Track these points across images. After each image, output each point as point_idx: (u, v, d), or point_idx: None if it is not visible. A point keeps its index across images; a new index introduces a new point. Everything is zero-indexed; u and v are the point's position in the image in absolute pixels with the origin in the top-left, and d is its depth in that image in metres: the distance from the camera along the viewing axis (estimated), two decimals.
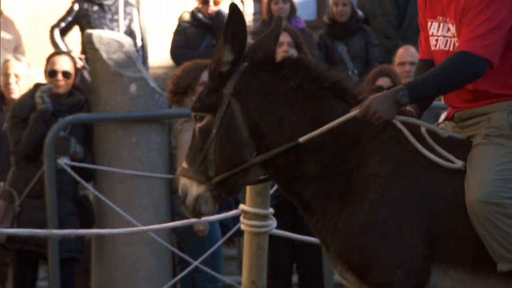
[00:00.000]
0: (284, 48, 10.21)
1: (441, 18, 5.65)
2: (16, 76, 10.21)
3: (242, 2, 14.24)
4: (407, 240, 5.30)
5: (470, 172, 5.39)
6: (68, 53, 9.66)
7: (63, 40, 11.55)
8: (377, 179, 5.34)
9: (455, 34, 5.58)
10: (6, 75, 10.12)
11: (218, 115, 5.33)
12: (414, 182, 5.37)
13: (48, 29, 11.82)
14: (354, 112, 5.36)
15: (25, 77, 10.48)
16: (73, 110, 8.88)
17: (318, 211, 5.38)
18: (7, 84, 10.19)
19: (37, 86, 9.15)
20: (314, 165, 5.40)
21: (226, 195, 5.49)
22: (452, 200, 5.36)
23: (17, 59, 10.66)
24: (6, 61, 10.26)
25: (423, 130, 5.40)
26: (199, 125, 5.35)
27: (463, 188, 5.37)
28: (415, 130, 5.43)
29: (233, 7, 5.39)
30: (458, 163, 5.34)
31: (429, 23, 5.72)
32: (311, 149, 5.44)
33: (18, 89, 10.48)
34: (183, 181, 5.39)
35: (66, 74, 9.00)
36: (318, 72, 5.52)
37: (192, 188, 5.35)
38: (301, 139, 5.36)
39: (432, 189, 5.37)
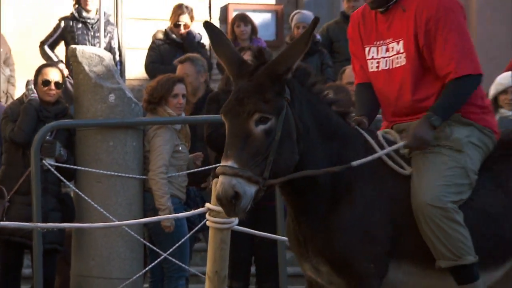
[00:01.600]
0: None
1: (378, 42, 5.86)
2: None
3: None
4: (379, 237, 5.49)
5: (417, 178, 5.58)
6: (57, 65, 9.69)
7: (53, 52, 11.47)
8: (355, 183, 5.52)
9: (401, 51, 5.79)
10: None
11: (281, 119, 5.30)
12: (382, 186, 5.57)
13: (37, 43, 11.94)
14: (404, 143, 5.59)
15: None
16: (59, 117, 8.97)
17: (310, 213, 5.49)
18: None
19: (25, 95, 9.23)
20: (322, 177, 5.47)
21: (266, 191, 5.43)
22: (407, 202, 5.56)
23: None
24: None
25: (384, 142, 5.64)
26: (263, 126, 5.25)
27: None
28: (379, 141, 5.67)
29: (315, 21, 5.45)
30: (408, 170, 5.60)
31: (366, 49, 5.90)
32: (320, 150, 5.55)
33: None
34: (234, 181, 5.19)
35: (57, 85, 9.10)
36: (321, 84, 5.73)
37: (248, 187, 5.21)
38: (354, 163, 5.44)
39: (393, 192, 5.57)
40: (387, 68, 5.83)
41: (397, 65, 5.77)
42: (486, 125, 5.79)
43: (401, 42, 5.73)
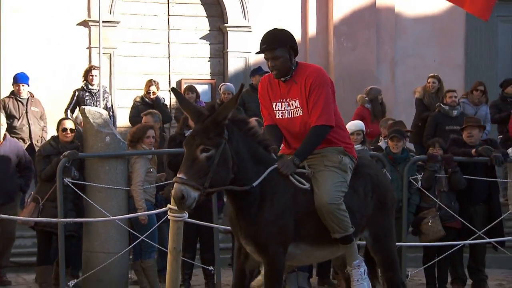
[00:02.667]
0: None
1: (282, 100, 5.76)
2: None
3: (169, 91, 13.66)
4: (287, 229, 5.46)
5: (317, 187, 5.55)
6: (71, 119, 9.69)
7: (71, 116, 11.35)
8: (275, 194, 5.47)
9: (298, 106, 5.68)
10: None
11: (219, 150, 5.23)
12: (290, 196, 5.51)
13: (60, 105, 12.01)
14: (276, 165, 5.52)
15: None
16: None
17: (245, 211, 5.46)
18: None
19: (54, 138, 9.16)
20: (252, 189, 5.41)
21: (206, 197, 5.38)
22: (306, 206, 5.53)
23: None
24: None
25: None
26: (206, 154, 5.20)
27: (311, 199, 5.53)
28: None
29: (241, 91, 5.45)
30: (307, 185, 5.57)
31: (273, 104, 5.79)
32: (253, 174, 5.45)
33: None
34: (183, 187, 5.15)
35: (71, 130, 9.05)
36: (258, 130, 5.65)
37: (191, 192, 5.15)
38: (254, 184, 5.38)
39: (297, 199, 5.51)
40: (290, 117, 5.77)
41: (297, 115, 5.73)
42: (354, 155, 5.86)
43: (297, 101, 5.69)
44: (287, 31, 5.85)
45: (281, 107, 5.80)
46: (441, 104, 11.95)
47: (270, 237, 5.43)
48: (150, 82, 12.07)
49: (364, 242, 6.08)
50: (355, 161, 5.87)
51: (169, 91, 13.60)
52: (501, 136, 12.38)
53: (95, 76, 11.81)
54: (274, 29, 5.82)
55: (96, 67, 11.84)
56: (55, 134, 9.32)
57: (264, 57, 5.77)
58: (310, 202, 5.57)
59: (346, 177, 5.73)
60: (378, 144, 10.30)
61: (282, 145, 5.94)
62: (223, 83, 12.73)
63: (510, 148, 9.82)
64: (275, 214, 5.44)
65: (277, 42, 5.67)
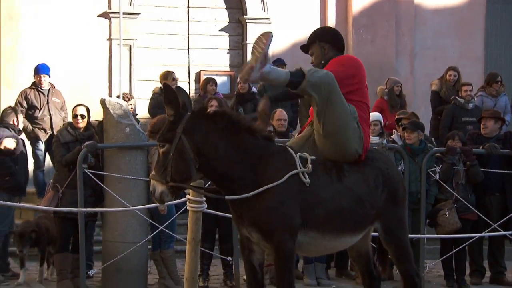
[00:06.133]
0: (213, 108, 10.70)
1: None
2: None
3: (189, 83, 14.02)
4: (293, 215, 5.36)
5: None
6: (84, 105, 9.25)
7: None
8: (274, 179, 5.35)
9: None
10: None
11: (173, 145, 5.27)
12: (295, 181, 5.39)
13: (79, 98, 11.46)
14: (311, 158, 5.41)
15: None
16: (89, 139, 8.82)
17: (239, 199, 5.33)
18: None
19: (70, 124, 9.12)
20: (239, 172, 5.37)
21: (178, 191, 5.49)
22: (309, 196, 5.43)
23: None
24: None
25: (296, 156, 5.47)
26: (162, 150, 5.33)
27: (314, 186, 5.39)
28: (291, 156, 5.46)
29: (166, 86, 5.43)
30: (307, 180, 5.39)
31: None
32: (236, 163, 5.37)
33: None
34: (152, 182, 5.33)
35: (82, 116, 9.02)
36: (236, 118, 5.51)
37: (158, 187, 5.30)
38: (227, 198, 5.33)
39: (302, 190, 5.40)
40: None
41: None
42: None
43: None
44: (324, 28, 6.04)
45: None
46: (457, 97, 11.89)
47: (274, 223, 5.35)
48: (167, 74, 12.04)
49: (377, 233, 6.04)
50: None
51: (188, 82, 13.79)
52: None
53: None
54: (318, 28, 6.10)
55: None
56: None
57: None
58: (316, 191, 5.47)
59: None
60: (391, 137, 10.24)
61: None
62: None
63: None
64: (277, 201, 5.36)
65: (309, 39, 5.86)
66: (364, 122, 5.71)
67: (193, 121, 5.37)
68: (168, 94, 5.38)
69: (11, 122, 9.65)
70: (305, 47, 5.95)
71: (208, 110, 5.49)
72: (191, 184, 5.51)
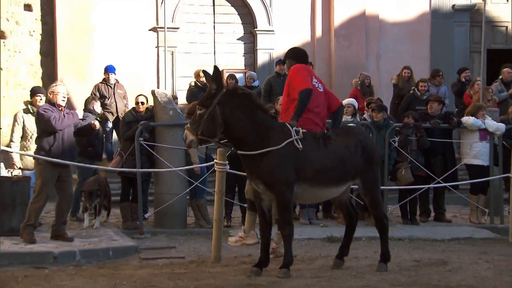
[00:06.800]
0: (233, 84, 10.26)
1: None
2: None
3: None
4: (289, 172, 5.28)
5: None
6: (144, 95, 9.02)
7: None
8: (275, 145, 5.28)
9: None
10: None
11: (209, 110, 5.23)
12: (290, 147, 5.33)
13: (137, 89, 10.96)
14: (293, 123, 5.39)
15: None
16: (148, 119, 8.67)
17: (250, 157, 5.32)
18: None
19: (133, 108, 8.89)
20: (251, 138, 5.29)
21: (204, 143, 5.45)
22: (301, 157, 5.34)
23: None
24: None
25: (292, 130, 5.41)
26: (199, 111, 5.24)
27: (305, 151, 5.30)
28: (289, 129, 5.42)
29: (215, 68, 5.41)
30: (300, 146, 5.34)
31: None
32: (250, 132, 5.29)
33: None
34: (186, 131, 5.24)
35: (142, 103, 8.85)
36: (255, 99, 5.51)
37: (189, 136, 5.24)
38: (240, 152, 5.28)
39: (295, 153, 5.32)
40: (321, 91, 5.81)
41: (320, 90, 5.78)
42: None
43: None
44: (293, 48, 6.06)
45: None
46: (415, 89, 11.66)
47: (275, 177, 5.22)
48: (198, 71, 11.66)
49: (356, 186, 5.98)
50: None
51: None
52: (457, 109, 12.17)
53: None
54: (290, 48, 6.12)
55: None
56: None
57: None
58: (306, 154, 5.33)
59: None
60: (363, 116, 10.05)
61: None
62: (248, 71, 12.92)
63: (463, 118, 9.65)
64: (277, 161, 5.23)
65: (284, 57, 6.07)
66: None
67: (227, 96, 5.28)
68: (215, 73, 5.28)
69: (91, 108, 9.40)
70: (283, 61, 6.23)
71: (238, 91, 5.43)
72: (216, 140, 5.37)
